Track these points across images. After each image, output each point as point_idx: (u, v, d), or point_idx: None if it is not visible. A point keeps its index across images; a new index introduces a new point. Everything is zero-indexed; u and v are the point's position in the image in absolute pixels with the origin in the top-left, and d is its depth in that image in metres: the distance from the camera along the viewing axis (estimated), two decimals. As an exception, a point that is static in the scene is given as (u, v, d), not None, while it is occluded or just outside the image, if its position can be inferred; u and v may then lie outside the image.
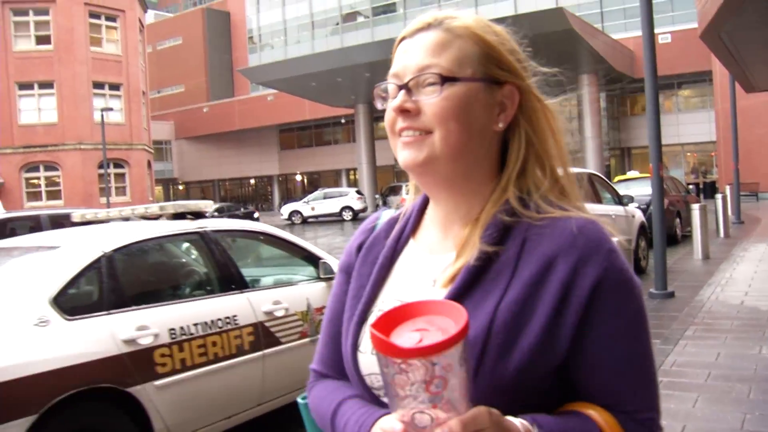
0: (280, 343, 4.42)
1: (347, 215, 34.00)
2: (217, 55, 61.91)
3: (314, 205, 35.01)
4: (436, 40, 1.03)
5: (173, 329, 3.83)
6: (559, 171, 1.09)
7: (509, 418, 0.87)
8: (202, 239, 4.46)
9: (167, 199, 56.48)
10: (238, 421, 4.23)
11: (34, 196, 33.45)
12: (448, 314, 0.82)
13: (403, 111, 1.03)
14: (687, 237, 14.49)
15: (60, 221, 10.70)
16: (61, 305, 3.48)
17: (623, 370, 0.98)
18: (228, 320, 4.13)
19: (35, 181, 34.00)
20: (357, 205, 34.24)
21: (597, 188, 10.68)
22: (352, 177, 51.92)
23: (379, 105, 1.10)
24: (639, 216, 11.42)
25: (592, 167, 30.04)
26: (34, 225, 11.30)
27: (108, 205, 27.43)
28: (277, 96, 48.18)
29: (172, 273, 4.70)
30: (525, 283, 0.97)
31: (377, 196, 39.11)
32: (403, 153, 1.04)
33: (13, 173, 33.13)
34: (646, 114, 8.68)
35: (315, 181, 54.74)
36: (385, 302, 1.09)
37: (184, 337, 3.86)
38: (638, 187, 14.30)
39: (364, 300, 1.12)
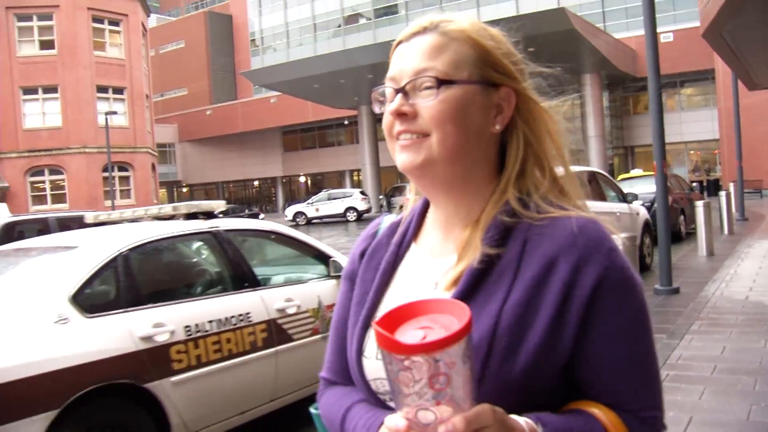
0: (293, 340, 4.49)
1: (351, 216, 34.05)
2: (220, 58, 62.07)
3: (318, 206, 35.10)
4: (432, 44, 1.04)
5: (188, 326, 3.90)
6: (560, 170, 1.10)
7: (513, 416, 0.88)
8: (215, 238, 4.53)
9: (171, 201, 56.55)
10: (252, 416, 4.30)
11: (39, 199, 33.61)
12: (451, 312, 0.82)
13: (400, 114, 1.03)
14: (691, 234, 14.52)
15: (67, 224, 10.81)
16: (79, 303, 3.56)
17: (625, 369, 0.99)
18: (241, 317, 4.20)
19: (40, 185, 34.15)
20: (361, 206, 34.31)
21: (601, 186, 10.74)
22: (355, 178, 52.00)
23: (376, 109, 1.12)
24: (643, 213, 11.48)
25: (595, 166, 30.03)
26: (42, 228, 11.42)
27: (113, 207, 27.53)
28: (280, 98, 48.29)
29: (187, 271, 4.78)
30: (527, 284, 0.98)
31: (381, 196, 39.18)
32: (401, 156, 1.05)
33: (18, 177, 33.30)
34: (650, 112, 8.73)
35: (319, 183, 54.81)
36: (388, 308, 1.10)
37: (199, 334, 3.93)
38: (642, 185, 14.34)
39: (367, 306, 1.12)
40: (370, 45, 36.23)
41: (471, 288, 1.00)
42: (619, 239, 1.04)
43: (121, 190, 35.32)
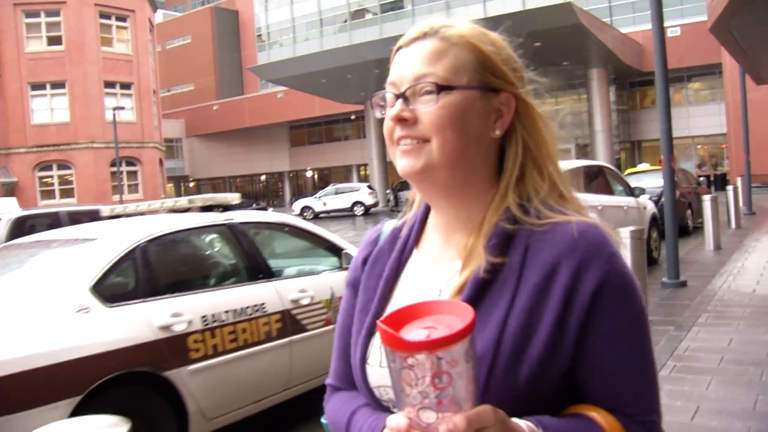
0: (306, 330, 4.57)
1: (359, 210, 34.15)
2: (227, 53, 62.11)
3: (326, 200, 35.18)
4: (432, 49, 1.05)
5: (205, 316, 3.99)
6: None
7: (514, 419, 0.88)
8: (230, 230, 4.62)
9: (178, 196, 56.64)
10: (267, 404, 4.39)
11: (48, 194, 33.81)
12: (455, 313, 0.83)
13: (400, 120, 1.04)
14: (698, 228, 14.54)
15: (78, 218, 10.92)
16: (100, 293, 3.65)
17: (624, 372, 0.99)
18: (257, 308, 4.28)
19: (48, 179, 34.36)
20: (368, 201, 34.37)
21: (609, 180, 10.78)
22: (362, 173, 52.06)
23: (377, 114, 1.12)
24: (651, 207, 11.52)
25: (602, 161, 29.99)
26: (53, 222, 11.49)
27: (121, 202, 27.66)
28: (287, 93, 48.37)
29: (203, 263, 4.86)
30: (530, 292, 0.98)
31: (388, 191, 39.23)
32: (402, 161, 1.05)
33: (26, 172, 33.51)
34: (657, 107, 8.75)
35: (326, 177, 54.85)
36: None
37: (215, 324, 4.02)
38: (649, 179, 14.37)
39: (371, 313, 1.12)
40: (376, 40, 36.18)
41: (475, 297, 1.00)
42: (619, 244, 1.04)
43: (129, 185, 35.48)
